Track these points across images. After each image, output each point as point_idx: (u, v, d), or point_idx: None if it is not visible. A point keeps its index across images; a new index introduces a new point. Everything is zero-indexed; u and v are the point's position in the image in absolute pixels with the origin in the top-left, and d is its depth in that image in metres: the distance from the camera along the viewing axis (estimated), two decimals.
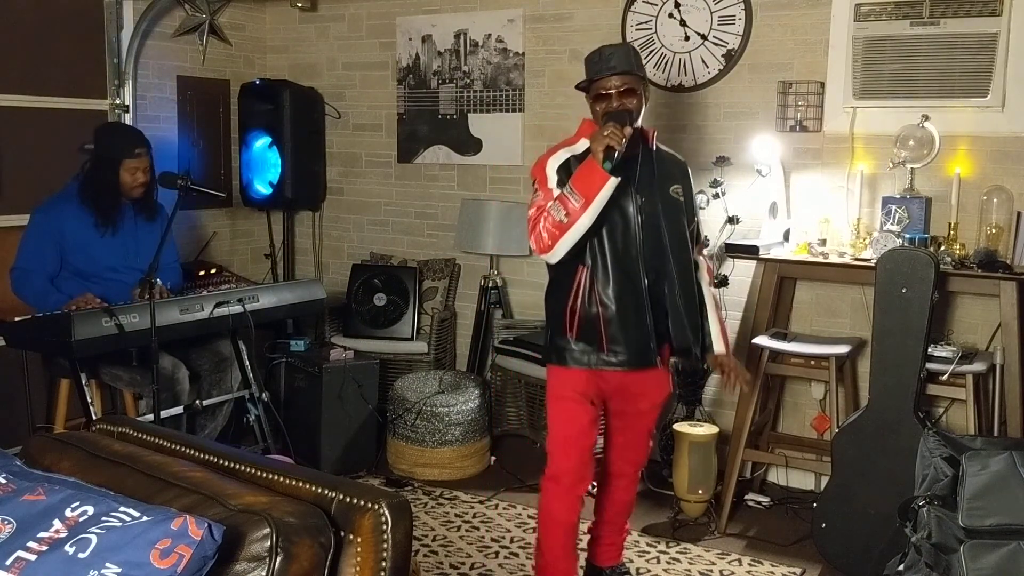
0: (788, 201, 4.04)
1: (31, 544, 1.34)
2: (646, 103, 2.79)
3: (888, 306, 3.29)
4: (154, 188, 3.77)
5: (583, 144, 2.71)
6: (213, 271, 4.57)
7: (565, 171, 2.67)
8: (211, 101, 5.13)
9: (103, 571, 1.27)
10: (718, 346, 2.92)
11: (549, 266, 2.79)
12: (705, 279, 2.96)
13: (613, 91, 2.71)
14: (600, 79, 2.73)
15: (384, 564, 1.45)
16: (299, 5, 5.16)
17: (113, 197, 3.65)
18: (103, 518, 1.35)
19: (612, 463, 3.05)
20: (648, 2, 4.34)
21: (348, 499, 1.49)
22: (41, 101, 4.23)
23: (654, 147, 2.83)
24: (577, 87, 2.86)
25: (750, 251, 3.80)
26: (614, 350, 2.73)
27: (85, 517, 1.37)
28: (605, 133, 2.56)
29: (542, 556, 2.92)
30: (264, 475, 1.62)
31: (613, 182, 2.57)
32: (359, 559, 1.45)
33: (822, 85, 3.96)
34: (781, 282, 3.88)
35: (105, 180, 3.63)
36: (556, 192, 2.65)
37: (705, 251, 3.07)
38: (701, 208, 3.78)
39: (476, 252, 4.82)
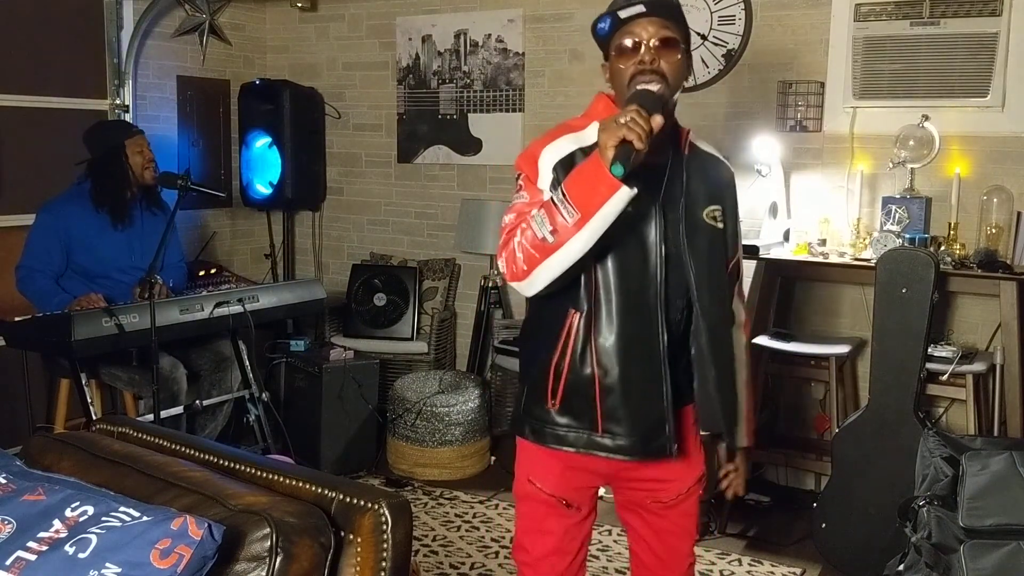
0: (788, 201, 4.04)
1: (31, 544, 1.34)
2: (687, 78, 1.94)
3: (888, 306, 3.29)
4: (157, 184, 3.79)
5: (593, 131, 1.81)
6: (213, 271, 4.57)
7: (565, 169, 1.81)
8: (211, 101, 5.13)
9: (103, 571, 1.27)
10: (740, 437, 2.09)
11: (528, 298, 1.90)
12: (740, 340, 2.10)
13: (646, 41, 1.82)
14: (626, 21, 1.84)
15: (384, 564, 1.45)
16: (299, 5, 5.17)
17: (125, 189, 3.66)
18: (103, 518, 1.35)
19: None
20: None
21: (348, 499, 1.49)
22: (41, 101, 4.23)
23: (686, 149, 1.95)
24: (596, 33, 1.97)
25: (750, 251, 3.79)
26: (611, 431, 1.90)
27: (85, 517, 1.37)
28: (623, 120, 1.68)
29: None
30: (264, 475, 1.61)
31: (625, 194, 1.69)
32: (359, 559, 1.45)
33: (822, 85, 3.96)
34: (781, 282, 3.88)
35: (115, 172, 3.65)
36: (546, 196, 1.82)
37: (744, 297, 2.19)
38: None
39: (476, 252, 4.82)
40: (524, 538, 2.07)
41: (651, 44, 1.82)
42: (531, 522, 2.04)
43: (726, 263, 2.00)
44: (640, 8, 1.81)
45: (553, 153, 1.86)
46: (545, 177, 1.85)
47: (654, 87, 1.78)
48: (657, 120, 1.70)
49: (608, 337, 1.87)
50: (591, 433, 1.91)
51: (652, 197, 1.84)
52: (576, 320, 1.88)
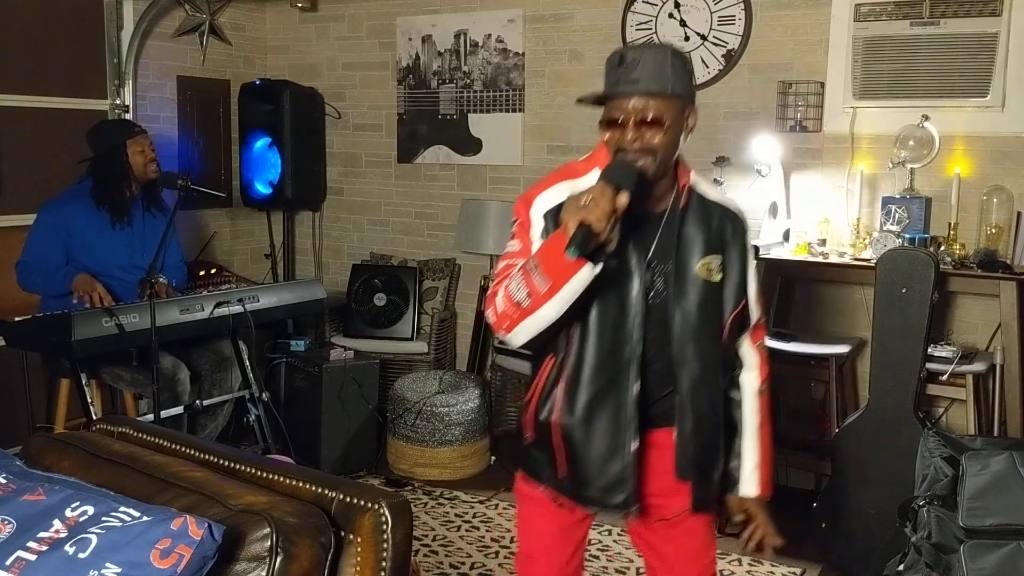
0: (788, 201, 4.04)
1: (31, 544, 1.34)
2: (687, 133, 1.86)
3: (888, 306, 3.29)
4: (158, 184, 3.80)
5: (591, 179, 1.80)
6: (213, 271, 4.58)
7: (554, 219, 1.80)
8: (211, 101, 5.13)
9: (103, 571, 1.27)
10: (747, 486, 2.03)
11: None
12: (750, 384, 2.04)
13: (627, 118, 1.79)
14: (614, 97, 1.81)
15: (384, 564, 1.45)
16: (299, 5, 5.16)
17: (125, 188, 3.67)
18: (103, 518, 1.35)
19: None
20: (648, 2, 4.34)
21: (348, 499, 1.49)
22: (41, 101, 4.23)
23: (683, 199, 1.90)
24: (581, 101, 1.87)
25: None
26: (574, 478, 1.91)
27: (85, 517, 1.37)
28: (583, 202, 1.68)
29: None
30: (264, 475, 1.61)
31: (587, 273, 1.71)
32: (359, 559, 1.45)
33: (822, 85, 3.96)
34: (781, 282, 3.88)
35: (116, 171, 3.65)
36: (535, 246, 1.82)
37: (763, 339, 2.11)
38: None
39: (476, 252, 4.82)
40: (521, 539, 2.09)
41: (634, 122, 1.79)
42: (527, 521, 2.06)
43: (720, 316, 1.94)
44: (624, 88, 1.79)
45: (545, 202, 1.86)
46: (536, 226, 1.85)
47: (640, 162, 1.78)
48: (622, 200, 1.69)
49: (575, 387, 1.87)
50: (556, 475, 1.92)
51: (640, 252, 1.85)
52: (550, 366, 1.91)
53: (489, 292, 1.88)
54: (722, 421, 1.99)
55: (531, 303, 1.75)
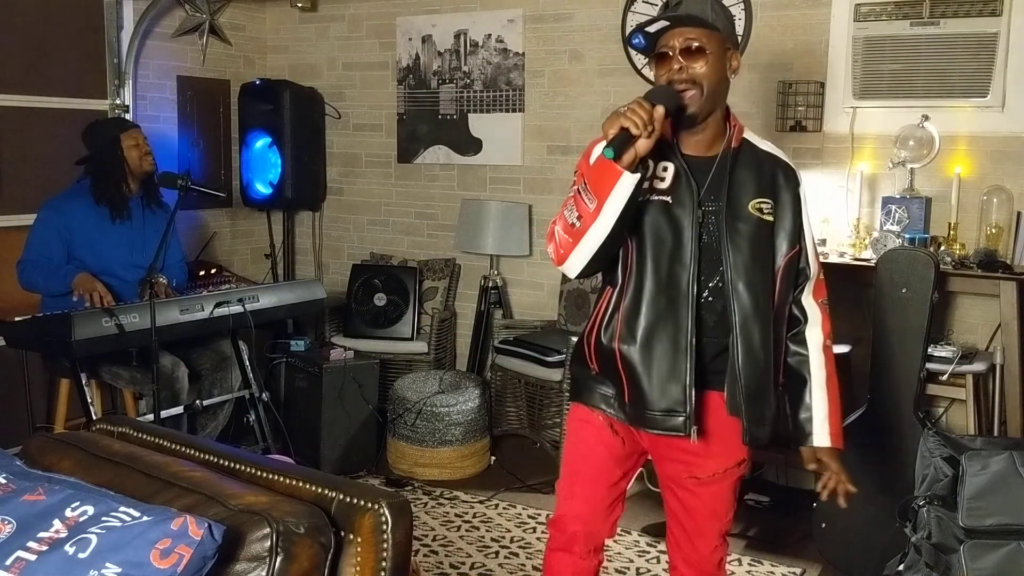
0: None
1: (31, 544, 1.34)
2: (732, 74, 2.04)
3: (888, 306, 3.29)
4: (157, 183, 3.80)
5: None
6: (213, 271, 4.58)
7: None
8: (211, 101, 5.14)
9: (103, 571, 1.27)
10: (819, 437, 2.14)
11: None
12: (815, 339, 2.11)
13: (673, 48, 1.94)
14: (660, 33, 1.95)
15: (384, 564, 1.45)
16: (299, 5, 5.17)
17: (122, 183, 3.67)
18: (103, 518, 1.35)
19: (671, 567, 2.25)
20: (648, 2, 4.34)
21: (348, 499, 1.49)
22: (41, 101, 4.24)
23: (733, 144, 2.04)
24: (632, 45, 2.03)
25: None
26: (635, 402, 2.02)
27: (85, 517, 1.37)
28: (623, 109, 1.84)
29: None
30: (264, 475, 1.61)
31: (629, 180, 1.84)
32: (359, 559, 1.45)
33: (822, 85, 3.96)
34: None
35: (111, 166, 3.66)
36: None
37: (825, 296, 2.16)
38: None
39: (476, 252, 4.82)
40: (569, 459, 2.17)
41: (678, 54, 1.94)
42: (581, 442, 2.14)
43: (772, 256, 2.03)
44: (664, 23, 1.95)
45: (600, 149, 1.94)
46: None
47: (688, 93, 1.93)
48: (659, 111, 1.84)
49: (635, 314, 1.99)
50: (620, 400, 2.05)
51: (692, 190, 1.97)
52: (609, 295, 2.05)
53: (549, 229, 2.01)
54: (775, 365, 2.06)
55: (582, 223, 1.89)
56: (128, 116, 4.54)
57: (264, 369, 4.39)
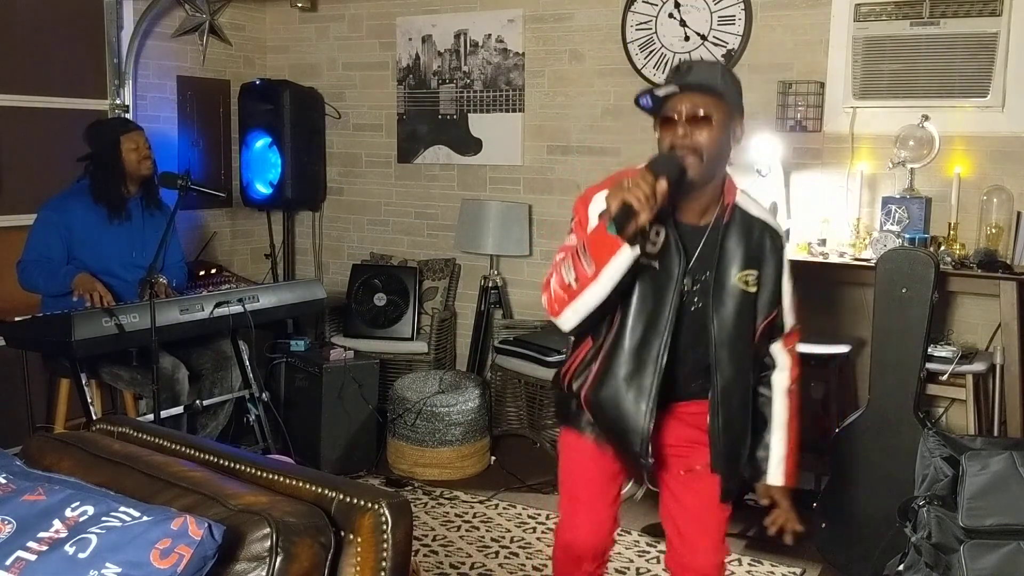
0: (788, 201, 4.04)
1: (31, 544, 1.34)
2: (735, 142, 2.05)
3: (888, 306, 3.29)
4: (155, 182, 3.79)
5: None
6: (213, 271, 4.58)
7: None
8: (211, 101, 5.14)
9: (103, 571, 1.27)
10: (774, 476, 2.23)
11: None
12: (781, 383, 2.23)
13: (679, 115, 1.97)
14: (667, 97, 1.98)
15: (384, 564, 1.45)
16: (299, 5, 5.16)
17: (120, 183, 3.67)
18: (103, 518, 1.35)
19: (668, 565, 2.34)
20: (648, 2, 4.34)
21: (348, 499, 1.49)
22: (41, 101, 4.24)
23: (727, 215, 2.07)
24: (639, 105, 2.04)
25: None
26: (607, 438, 2.18)
27: (85, 517, 1.37)
28: (627, 183, 1.86)
29: None
30: (264, 475, 1.61)
31: (627, 254, 1.90)
32: (359, 559, 1.45)
33: (822, 85, 3.96)
34: None
35: (110, 166, 3.66)
36: None
37: (796, 344, 2.29)
38: None
39: (476, 252, 4.82)
40: (566, 484, 2.29)
41: (685, 120, 1.96)
42: (575, 466, 2.26)
43: (753, 323, 2.12)
44: (674, 88, 1.97)
45: (600, 203, 1.99)
46: (593, 222, 2.01)
47: (688, 159, 1.95)
48: (661, 185, 1.86)
49: (607, 370, 2.09)
50: (596, 430, 2.18)
51: (682, 259, 2.03)
52: (588, 347, 2.15)
53: (545, 279, 2.08)
54: (750, 417, 2.18)
55: (579, 285, 1.96)
56: (128, 116, 4.54)
57: (264, 369, 4.39)
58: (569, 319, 2.02)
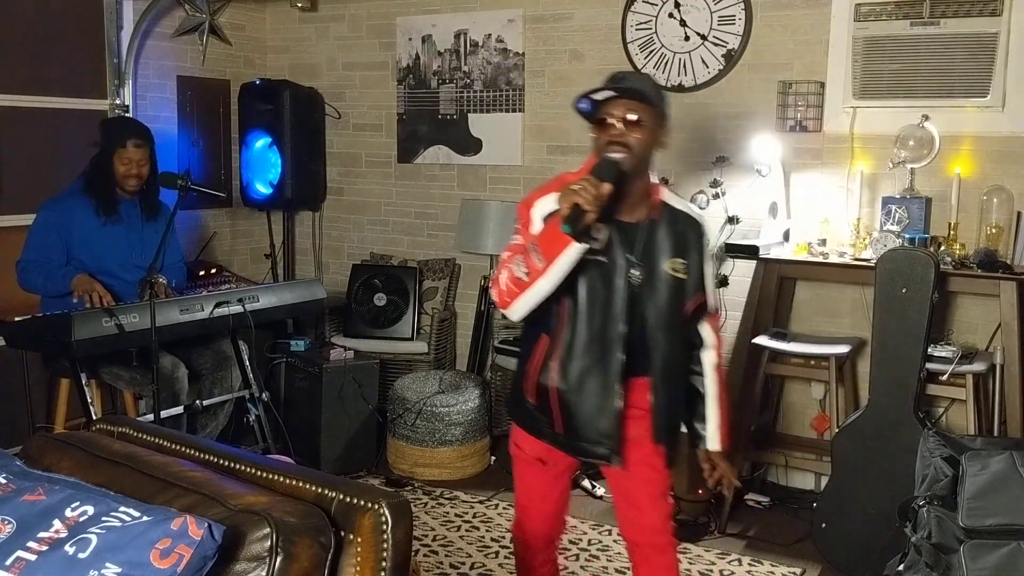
0: (788, 201, 4.03)
1: (31, 544, 1.34)
2: (660, 147, 2.29)
3: (888, 306, 3.29)
4: (156, 186, 3.78)
5: None
6: (213, 271, 4.57)
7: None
8: (211, 101, 5.13)
9: (103, 571, 1.27)
10: (712, 443, 2.46)
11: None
12: (710, 360, 2.47)
13: (616, 119, 2.20)
14: (605, 101, 2.22)
15: (384, 564, 1.45)
16: (299, 5, 5.16)
17: (109, 186, 3.66)
18: (103, 518, 1.35)
19: (623, 534, 2.55)
20: (648, 2, 4.34)
21: (348, 499, 1.50)
22: (41, 101, 4.23)
23: (656, 211, 2.32)
24: (577, 110, 2.26)
25: (750, 251, 3.80)
26: (568, 432, 2.33)
27: (85, 517, 1.37)
28: (575, 187, 2.10)
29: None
30: (264, 475, 1.62)
31: (576, 249, 2.12)
32: (359, 559, 1.46)
33: (822, 85, 3.96)
34: (781, 282, 3.88)
35: (101, 169, 3.65)
36: None
37: (719, 325, 2.56)
38: (702, 208, 3.77)
39: (476, 252, 4.82)
40: (518, 491, 2.55)
41: (619, 123, 2.20)
42: (520, 477, 2.51)
43: (683, 306, 2.35)
44: (610, 93, 2.21)
45: (543, 207, 2.26)
46: (536, 225, 2.26)
47: (618, 156, 2.18)
48: (605, 187, 2.12)
49: (568, 359, 2.29)
50: (554, 430, 2.36)
51: (623, 251, 2.26)
52: (545, 341, 2.33)
53: (493, 275, 2.21)
54: (684, 391, 2.45)
55: (529, 278, 2.17)
56: (128, 116, 4.53)
57: (264, 369, 4.39)
58: (519, 309, 2.23)
